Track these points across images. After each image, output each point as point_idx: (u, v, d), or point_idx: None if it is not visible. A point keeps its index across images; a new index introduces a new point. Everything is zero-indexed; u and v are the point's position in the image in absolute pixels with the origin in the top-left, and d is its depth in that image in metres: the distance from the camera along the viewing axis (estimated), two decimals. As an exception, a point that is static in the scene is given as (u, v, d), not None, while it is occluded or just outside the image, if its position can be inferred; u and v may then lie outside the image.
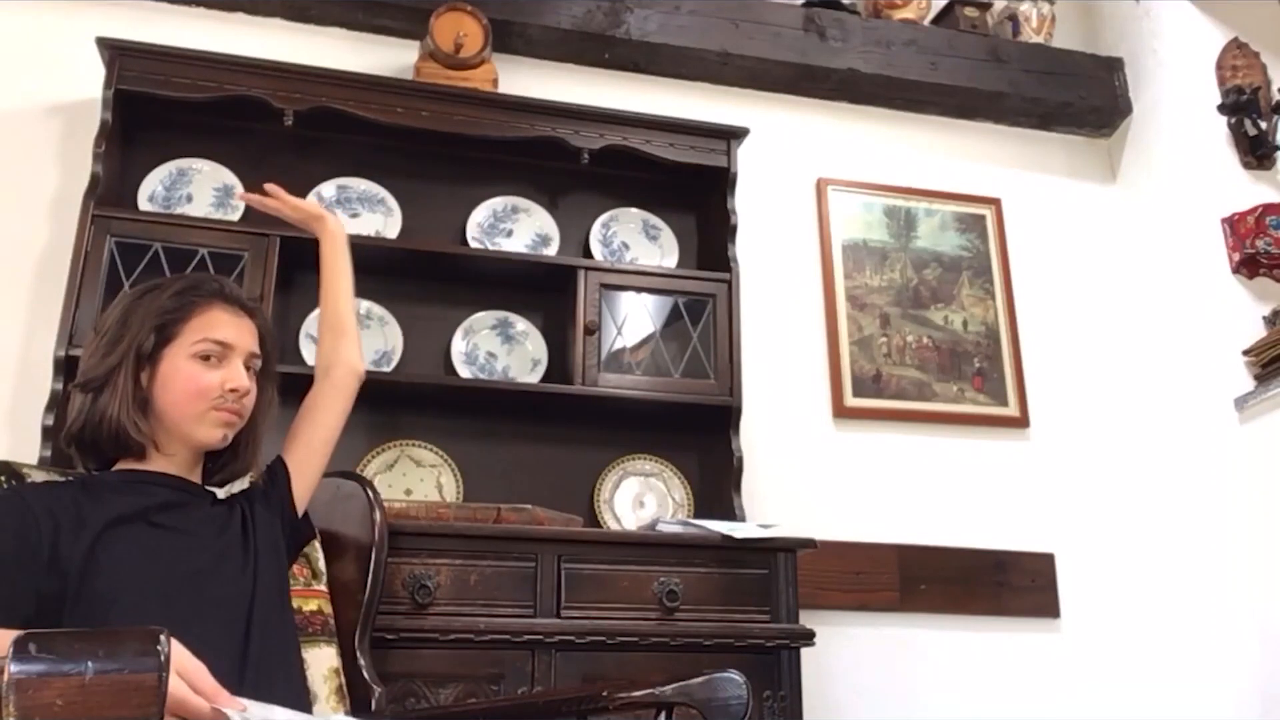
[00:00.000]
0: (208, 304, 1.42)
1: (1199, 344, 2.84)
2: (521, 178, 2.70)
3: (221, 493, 1.44)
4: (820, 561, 2.47)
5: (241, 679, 1.25)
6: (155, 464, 1.40)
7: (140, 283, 2.21)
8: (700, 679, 1.31)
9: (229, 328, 1.42)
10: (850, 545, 2.64)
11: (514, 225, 2.65)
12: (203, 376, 1.38)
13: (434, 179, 2.63)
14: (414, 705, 1.84)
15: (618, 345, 2.52)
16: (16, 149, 2.42)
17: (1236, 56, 3.01)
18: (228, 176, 2.48)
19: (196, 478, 1.44)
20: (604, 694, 1.37)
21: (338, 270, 1.73)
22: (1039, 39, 3.21)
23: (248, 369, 1.43)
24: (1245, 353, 2.74)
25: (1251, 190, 2.89)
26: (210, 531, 1.38)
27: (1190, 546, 2.78)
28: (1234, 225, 2.83)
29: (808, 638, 2.07)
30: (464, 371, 2.50)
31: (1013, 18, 3.23)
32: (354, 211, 2.53)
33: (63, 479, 1.41)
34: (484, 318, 2.56)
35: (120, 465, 1.41)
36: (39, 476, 1.43)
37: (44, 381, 2.14)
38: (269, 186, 1.82)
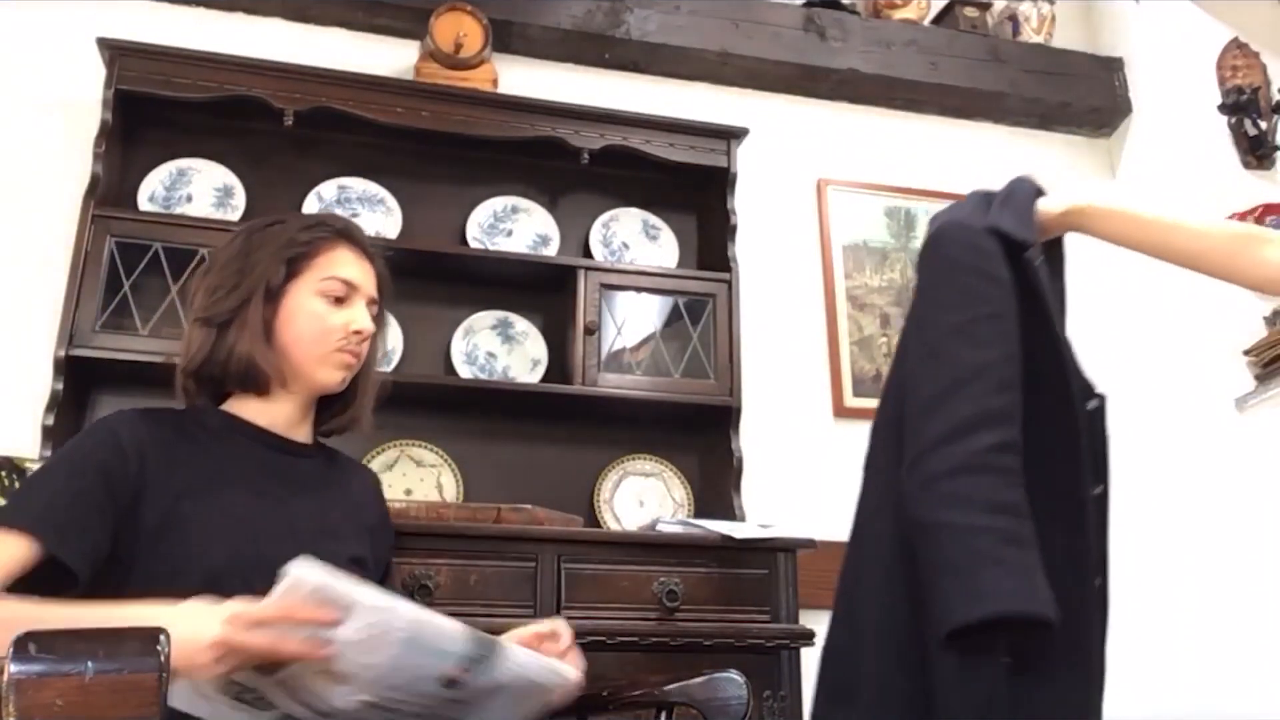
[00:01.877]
0: (335, 241, 1.37)
1: (1199, 344, 2.84)
2: (521, 178, 2.70)
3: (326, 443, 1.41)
4: (820, 561, 2.46)
5: None
6: (275, 403, 1.34)
7: (141, 283, 2.24)
8: (700, 679, 1.31)
9: (354, 268, 1.37)
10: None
11: (514, 225, 2.65)
12: (329, 316, 1.33)
13: (434, 179, 2.63)
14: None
15: (618, 345, 2.52)
16: (16, 149, 2.42)
17: (1236, 56, 3.01)
18: (228, 176, 2.48)
19: (308, 425, 1.39)
20: (604, 694, 1.37)
21: None
22: (1039, 39, 3.21)
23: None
24: (1245, 353, 2.74)
25: (1251, 190, 2.88)
26: (304, 505, 1.31)
27: (1190, 546, 2.78)
28: (1234, 225, 2.82)
29: (808, 638, 2.07)
30: (464, 371, 2.50)
31: (1013, 18, 3.23)
32: (354, 211, 2.53)
33: (159, 409, 1.34)
34: (484, 317, 2.56)
35: (234, 402, 1.35)
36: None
37: (44, 381, 2.14)
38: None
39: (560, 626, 1.30)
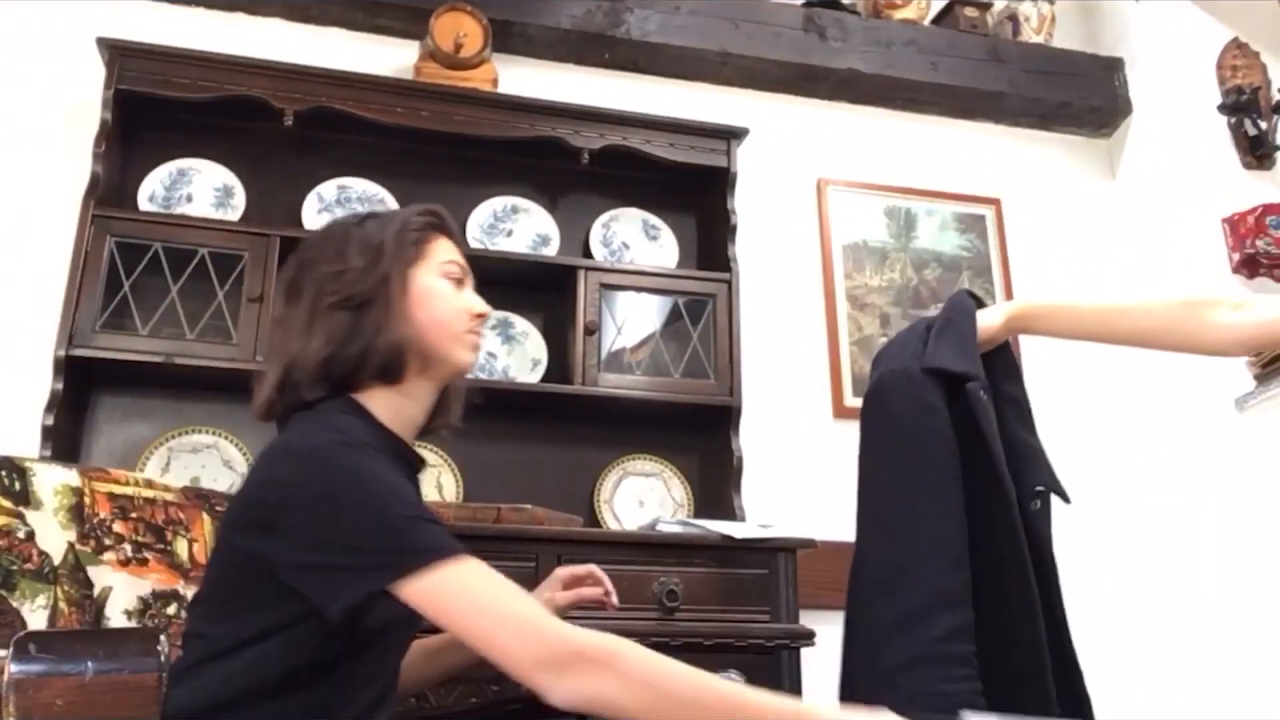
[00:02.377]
0: (440, 230, 1.39)
1: (1199, 344, 2.84)
2: (521, 178, 2.70)
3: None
4: (820, 561, 2.46)
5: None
6: (408, 396, 1.30)
7: (141, 283, 2.24)
8: (700, 679, 1.31)
9: (459, 254, 1.40)
10: (850, 545, 2.62)
11: (514, 225, 2.65)
12: (457, 297, 1.36)
13: (434, 179, 2.63)
14: (414, 706, 1.84)
15: (618, 345, 2.52)
16: (16, 149, 2.42)
17: (1236, 56, 3.01)
18: (228, 176, 2.48)
19: (424, 419, 1.36)
20: (604, 694, 1.37)
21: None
22: (1039, 39, 3.21)
23: None
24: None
25: (1251, 190, 2.88)
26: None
27: (1190, 547, 2.78)
28: (1234, 225, 2.82)
29: (808, 638, 2.07)
30: (464, 371, 2.50)
31: (1013, 18, 3.23)
32: (354, 211, 2.53)
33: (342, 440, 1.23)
34: (484, 318, 2.56)
35: (367, 397, 1.28)
36: (41, 468, 1.42)
37: (44, 381, 2.14)
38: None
39: (593, 568, 1.43)
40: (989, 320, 1.36)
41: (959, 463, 1.26)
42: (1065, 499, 1.30)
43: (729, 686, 1.12)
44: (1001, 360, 1.38)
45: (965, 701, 1.16)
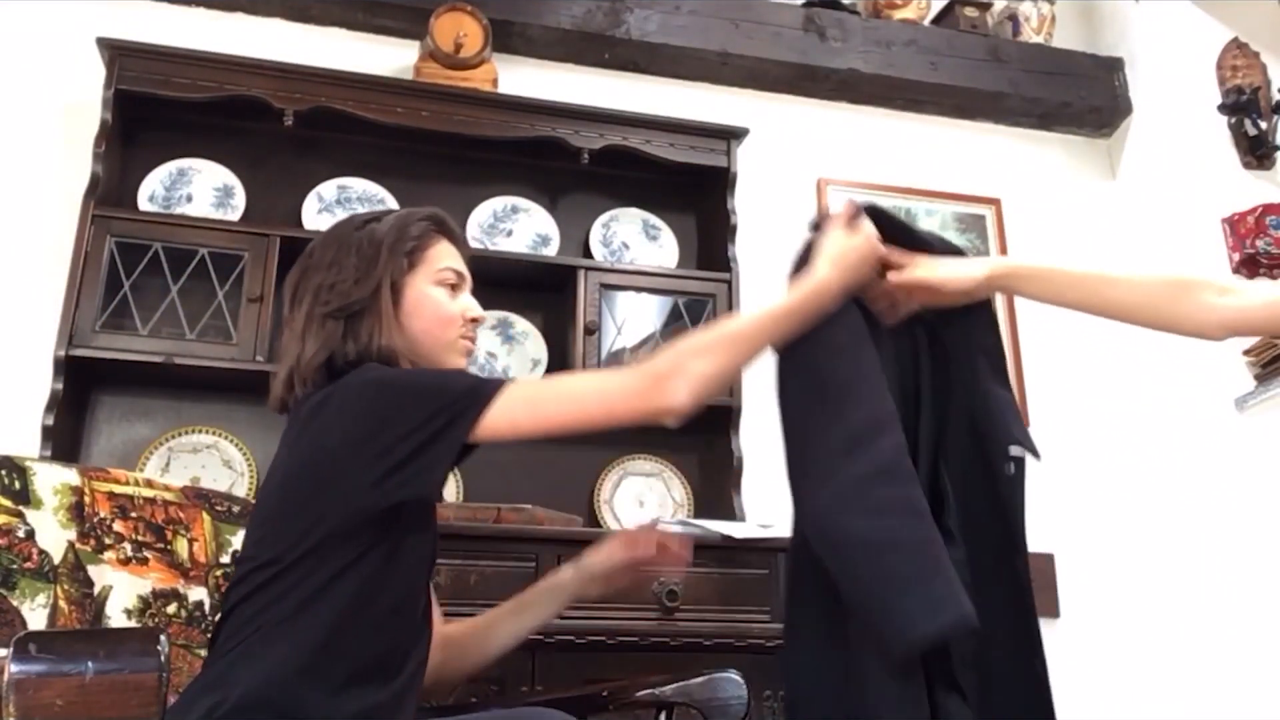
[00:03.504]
0: (440, 234, 1.42)
1: (1199, 344, 2.83)
2: (521, 178, 2.70)
3: None
4: (820, 561, 2.47)
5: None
6: None
7: (141, 283, 2.24)
8: (700, 679, 1.32)
9: (458, 259, 1.43)
10: (850, 545, 2.63)
11: (514, 225, 2.65)
12: (450, 304, 1.39)
13: (434, 179, 2.63)
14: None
15: (618, 345, 2.52)
16: (16, 149, 2.42)
17: (1236, 56, 3.01)
18: (228, 176, 2.48)
19: None
20: (604, 694, 1.37)
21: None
22: (1039, 39, 3.21)
23: None
24: (1245, 353, 2.74)
25: (1251, 190, 2.88)
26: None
27: (1190, 547, 2.78)
28: (1234, 225, 2.82)
29: (808, 638, 2.07)
30: (464, 371, 2.50)
31: (1013, 18, 3.23)
32: (353, 212, 2.53)
33: None
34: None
35: None
36: (41, 468, 1.42)
37: (44, 381, 2.14)
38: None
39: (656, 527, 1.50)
40: (970, 272, 1.34)
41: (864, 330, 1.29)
42: (1036, 455, 1.27)
43: (761, 310, 1.26)
44: (981, 314, 1.37)
45: (924, 510, 1.18)
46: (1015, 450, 1.28)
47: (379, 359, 1.30)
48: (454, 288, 1.40)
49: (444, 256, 1.40)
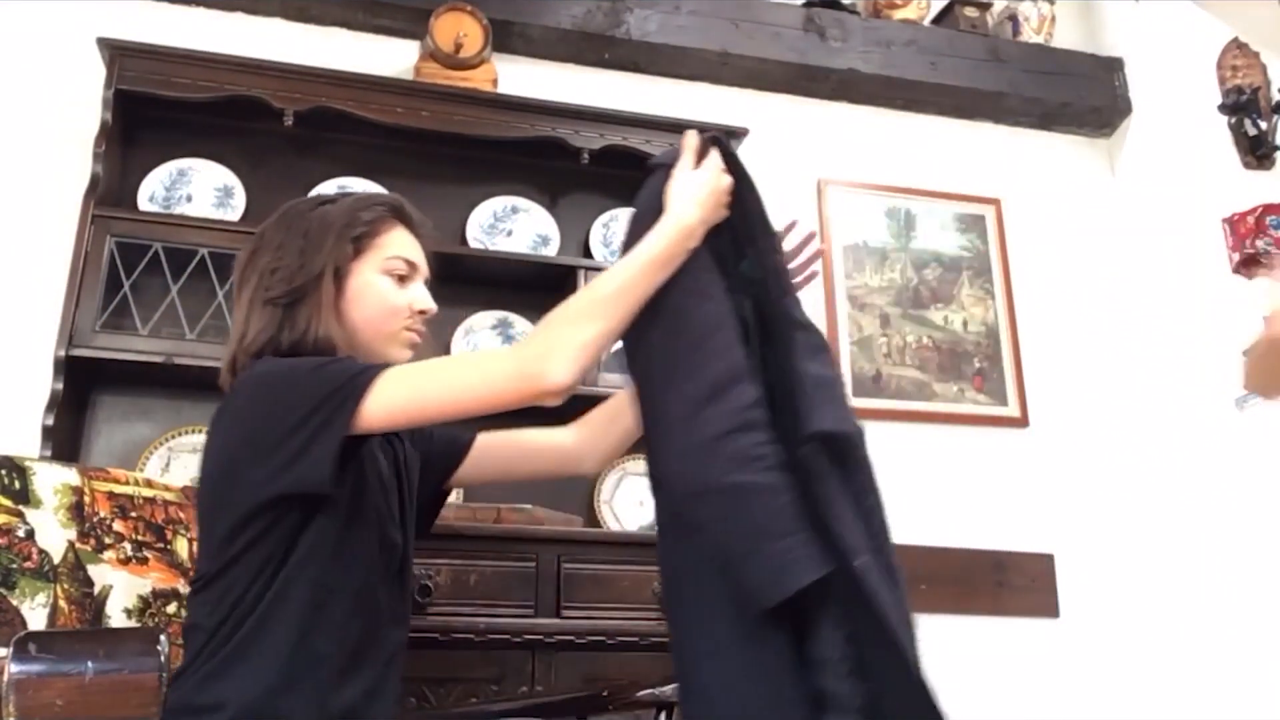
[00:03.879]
0: (393, 221, 1.37)
1: (1199, 344, 2.84)
2: (521, 178, 2.70)
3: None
4: (820, 561, 2.47)
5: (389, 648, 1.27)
6: None
7: (141, 283, 2.24)
8: (700, 679, 1.31)
9: (413, 247, 1.38)
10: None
11: (514, 225, 2.65)
12: (397, 294, 1.34)
13: (434, 179, 2.63)
14: (414, 706, 1.84)
15: (618, 345, 2.51)
16: (16, 149, 2.42)
17: (1236, 56, 3.01)
18: (228, 176, 2.48)
19: None
20: (604, 694, 1.37)
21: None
22: (1039, 39, 3.21)
23: None
24: (1245, 353, 2.74)
25: (1251, 190, 2.89)
26: (384, 484, 1.34)
27: (1190, 547, 2.78)
28: (1234, 225, 2.83)
29: (808, 638, 2.07)
30: (464, 371, 2.50)
31: (1013, 18, 3.23)
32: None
33: None
34: (484, 318, 2.56)
35: None
36: (41, 468, 1.42)
37: (44, 381, 2.13)
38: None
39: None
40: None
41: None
42: (836, 441, 1.19)
43: (627, 263, 1.21)
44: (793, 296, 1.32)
45: (783, 463, 1.13)
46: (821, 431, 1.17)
47: (314, 349, 1.27)
48: (404, 278, 1.35)
49: (396, 244, 1.36)
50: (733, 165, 1.32)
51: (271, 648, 1.14)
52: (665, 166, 1.30)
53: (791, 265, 1.42)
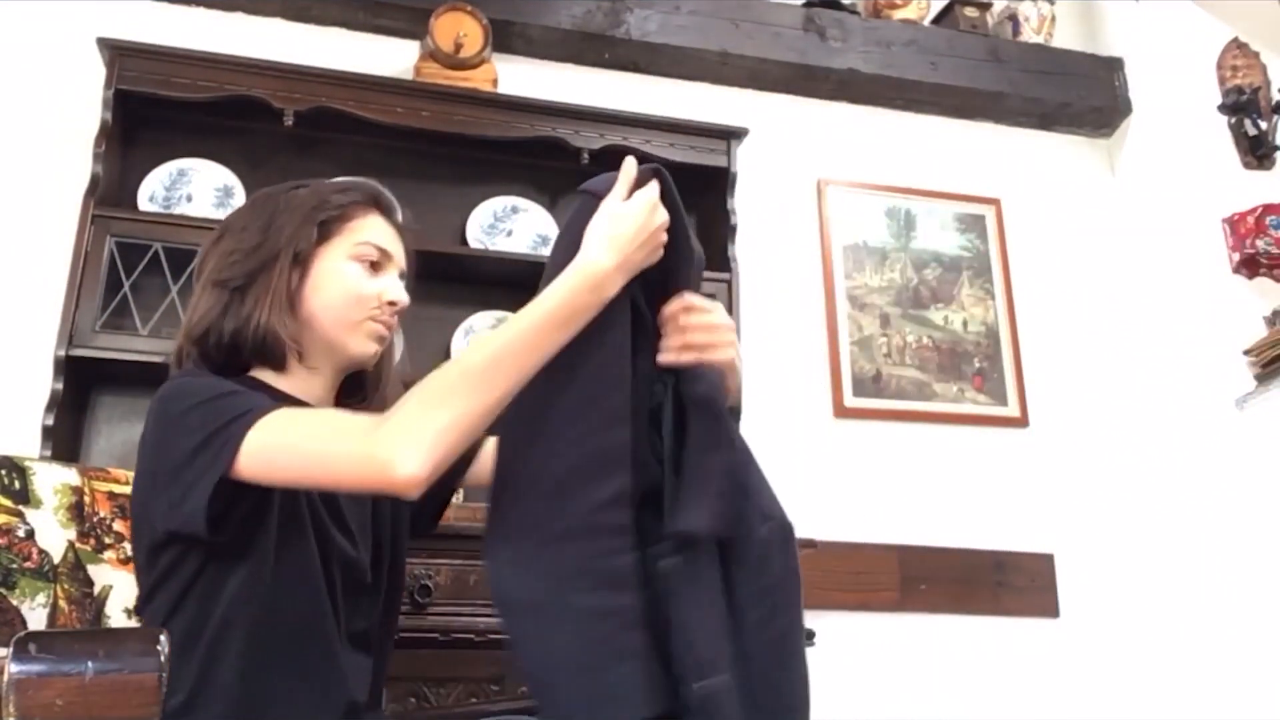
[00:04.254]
0: (369, 207, 1.28)
1: (1199, 344, 2.84)
2: (521, 178, 2.70)
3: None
4: (820, 561, 2.47)
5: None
6: (294, 381, 1.23)
7: (141, 283, 2.24)
8: (700, 679, 1.31)
9: (388, 236, 1.28)
10: (850, 545, 2.64)
11: (514, 225, 2.65)
12: (365, 282, 1.24)
13: (434, 179, 2.63)
14: (414, 706, 1.84)
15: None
16: (16, 149, 2.42)
17: (1236, 56, 3.01)
18: (228, 176, 2.48)
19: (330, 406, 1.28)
20: (604, 694, 1.37)
21: None
22: (1039, 39, 3.21)
23: None
24: (1245, 353, 2.74)
25: (1251, 190, 2.89)
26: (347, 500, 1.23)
27: (1190, 547, 2.78)
28: (1234, 225, 2.83)
29: (807, 637, 2.07)
30: (464, 371, 2.50)
31: (1013, 18, 3.23)
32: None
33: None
34: (484, 318, 2.56)
35: (257, 374, 1.23)
36: (41, 468, 1.42)
37: (44, 381, 2.14)
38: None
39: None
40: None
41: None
42: (689, 538, 1.02)
43: (515, 323, 1.06)
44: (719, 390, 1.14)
45: (623, 579, 1.00)
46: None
47: (255, 339, 1.19)
48: (375, 265, 1.26)
49: (368, 230, 1.26)
50: (670, 202, 1.12)
51: (220, 693, 1.08)
52: (593, 195, 1.11)
53: (688, 340, 1.17)
